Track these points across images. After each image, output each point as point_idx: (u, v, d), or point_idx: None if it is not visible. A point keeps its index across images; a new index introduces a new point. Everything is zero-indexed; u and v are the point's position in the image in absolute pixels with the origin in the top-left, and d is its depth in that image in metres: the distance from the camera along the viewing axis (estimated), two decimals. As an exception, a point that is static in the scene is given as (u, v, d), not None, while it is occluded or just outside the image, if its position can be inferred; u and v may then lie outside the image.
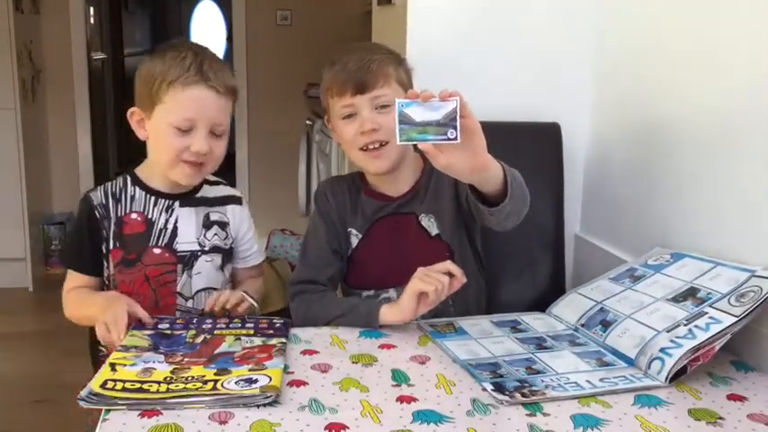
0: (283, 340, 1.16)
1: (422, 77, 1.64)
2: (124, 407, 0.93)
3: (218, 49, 4.97)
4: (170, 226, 1.37)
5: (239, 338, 1.16)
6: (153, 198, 1.37)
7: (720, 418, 0.95)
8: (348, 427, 0.91)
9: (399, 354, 1.15)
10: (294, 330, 1.24)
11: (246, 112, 4.35)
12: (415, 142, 1.02)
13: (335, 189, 1.44)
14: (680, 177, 1.39)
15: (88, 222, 1.36)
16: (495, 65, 1.70)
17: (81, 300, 1.35)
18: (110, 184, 1.39)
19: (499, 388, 1.01)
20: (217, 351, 1.11)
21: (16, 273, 3.64)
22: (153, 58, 1.32)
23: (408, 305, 1.20)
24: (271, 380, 1.00)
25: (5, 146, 3.53)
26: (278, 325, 1.23)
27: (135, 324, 1.20)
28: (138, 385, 0.98)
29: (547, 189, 1.62)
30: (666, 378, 1.03)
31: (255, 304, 1.33)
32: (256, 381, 0.99)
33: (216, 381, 1.00)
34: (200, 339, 1.15)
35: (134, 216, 1.36)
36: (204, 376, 1.01)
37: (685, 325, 1.08)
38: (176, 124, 1.28)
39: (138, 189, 1.38)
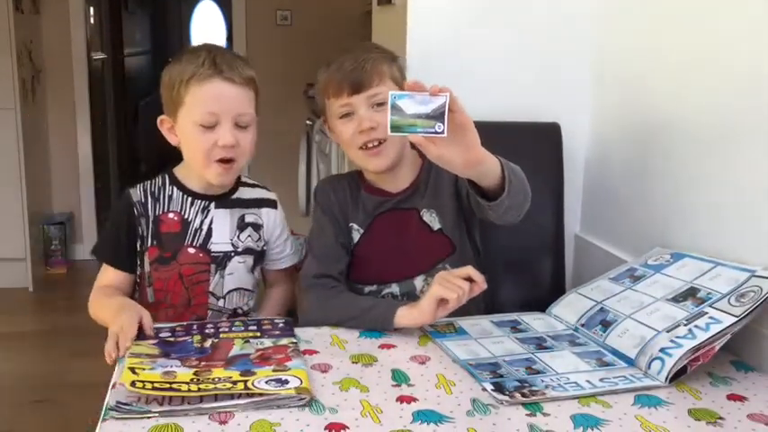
0: (294, 340, 1.16)
1: (422, 77, 1.62)
2: (157, 414, 0.91)
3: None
4: (205, 227, 1.38)
5: (248, 341, 1.15)
6: (190, 199, 1.39)
7: (720, 418, 0.95)
8: (348, 427, 0.91)
9: (399, 354, 1.15)
10: (294, 330, 1.24)
11: (246, 112, 4.34)
12: (404, 134, 1.06)
13: (336, 186, 1.46)
14: (680, 177, 1.39)
15: (126, 219, 1.38)
16: (495, 65, 1.70)
17: (102, 302, 1.34)
18: (149, 182, 1.41)
19: (499, 388, 1.01)
20: (231, 354, 1.10)
21: (16, 273, 3.63)
22: (173, 63, 1.34)
23: (429, 310, 1.19)
24: (301, 382, 0.99)
25: (5, 146, 3.53)
26: (281, 325, 1.23)
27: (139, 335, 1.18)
28: (167, 385, 0.97)
29: (547, 189, 1.62)
30: (666, 378, 1.03)
31: None
32: (287, 381, 0.99)
33: (245, 380, 0.99)
34: (208, 343, 1.14)
35: (171, 215, 1.38)
36: (230, 377, 1.01)
37: (685, 325, 1.08)
38: (200, 121, 1.29)
39: (175, 189, 1.40)
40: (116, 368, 1.08)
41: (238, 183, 1.44)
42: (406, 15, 1.65)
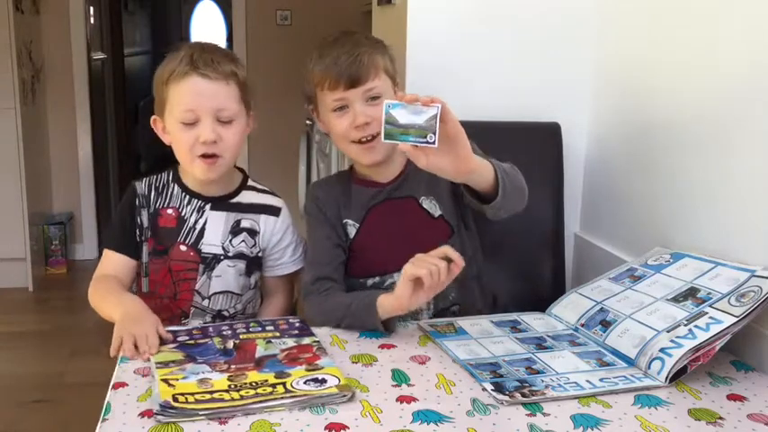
0: (315, 339, 1.17)
1: (422, 77, 1.65)
2: (203, 417, 0.91)
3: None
4: (198, 226, 1.39)
5: (270, 341, 1.15)
6: (187, 197, 1.41)
7: (720, 418, 0.95)
8: (348, 427, 0.91)
9: (399, 354, 1.15)
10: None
11: (246, 112, 4.34)
12: (396, 142, 1.08)
13: (324, 187, 1.47)
14: (680, 177, 1.39)
15: (129, 209, 1.41)
16: (495, 65, 1.70)
17: (106, 295, 1.32)
18: (155, 176, 1.44)
19: (499, 388, 1.01)
20: (258, 356, 1.10)
21: (16, 273, 3.63)
22: (161, 63, 1.35)
23: (404, 293, 1.17)
24: (339, 380, 1.00)
25: (5, 146, 3.53)
26: (297, 324, 1.24)
27: None
28: (208, 396, 0.96)
29: (547, 189, 1.62)
30: (666, 378, 1.03)
31: None
32: (325, 380, 1.00)
33: (283, 383, 1.00)
34: (230, 345, 1.14)
35: (169, 211, 1.40)
36: (267, 380, 1.01)
37: (685, 325, 1.08)
38: (180, 118, 1.30)
39: (176, 186, 1.42)
40: (116, 368, 1.08)
41: (243, 186, 1.44)
42: (406, 15, 1.65)
